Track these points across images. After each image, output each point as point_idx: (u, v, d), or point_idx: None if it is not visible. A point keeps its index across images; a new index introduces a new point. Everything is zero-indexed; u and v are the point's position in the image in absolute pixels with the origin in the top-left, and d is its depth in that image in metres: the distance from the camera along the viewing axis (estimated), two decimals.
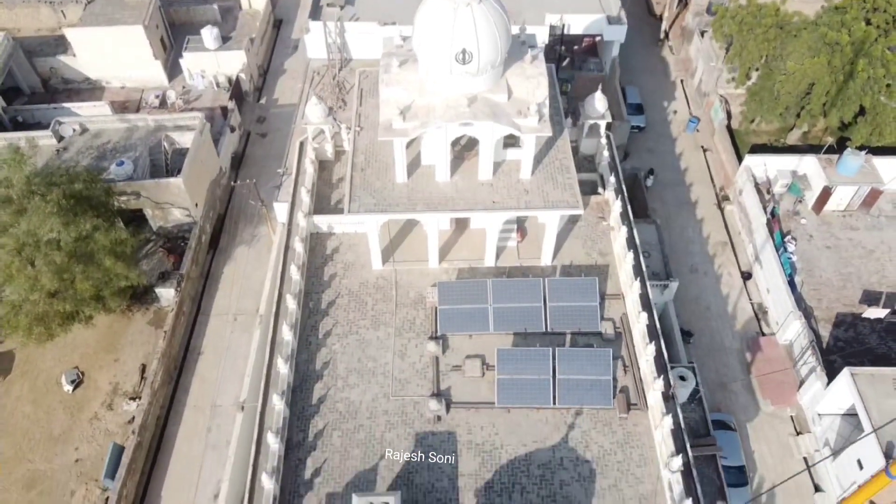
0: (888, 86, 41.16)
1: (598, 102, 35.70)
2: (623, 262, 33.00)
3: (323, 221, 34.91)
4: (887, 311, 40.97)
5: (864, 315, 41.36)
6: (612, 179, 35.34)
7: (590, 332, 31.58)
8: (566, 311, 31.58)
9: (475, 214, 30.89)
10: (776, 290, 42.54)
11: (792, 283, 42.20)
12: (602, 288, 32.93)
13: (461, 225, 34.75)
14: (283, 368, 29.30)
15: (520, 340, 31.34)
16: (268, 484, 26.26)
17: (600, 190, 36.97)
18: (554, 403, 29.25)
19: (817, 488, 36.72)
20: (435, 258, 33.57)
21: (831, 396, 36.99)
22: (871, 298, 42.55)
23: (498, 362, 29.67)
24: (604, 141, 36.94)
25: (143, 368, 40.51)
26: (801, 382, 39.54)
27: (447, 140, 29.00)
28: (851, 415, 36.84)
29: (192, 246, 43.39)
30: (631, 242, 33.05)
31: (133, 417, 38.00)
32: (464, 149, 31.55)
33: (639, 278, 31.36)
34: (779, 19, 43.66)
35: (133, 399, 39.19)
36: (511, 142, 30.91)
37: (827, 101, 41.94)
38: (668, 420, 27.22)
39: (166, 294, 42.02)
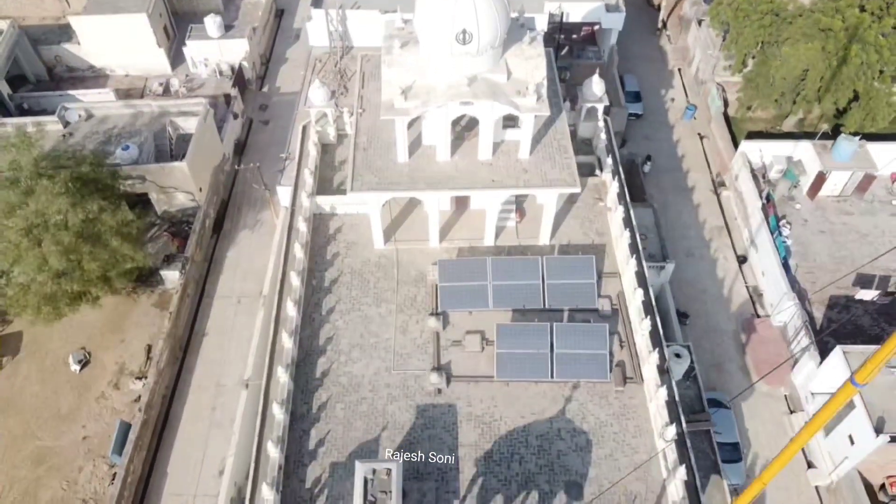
0: (881, 72, 41.82)
1: (596, 86, 36.39)
2: (619, 241, 33.70)
3: (326, 202, 35.64)
4: (878, 292, 41.78)
5: (856, 297, 42.13)
6: (609, 161, 36.03)
7: (587, 308, 32.31)
8: (564, 288, 32.30)
9: (475, 193, 31.62)
10: (771, 272, 43.26)
11: (786, 266, 42.91)
12: (599, 266, 33.62)
13: (461, 205, 35.45)
14: (287, 343, 30.03)
15: (518, 317, 32.08)
16: (273, 452, 26.99)
17: (598, 172, 37.68)
18: (552, 377, 29.99)
19: (810, 465, 37.46)
20: (436, 237, 34.29)
21: (824, 375, 37.71)
22: (864, 281, 43.23)
23: (497, 337, 30.40)
24: (601, 124, 37.62)
25: (149, 349, 41.22)
26: (795, 362, 40.28)
27: (448, 120, 29.70)
28: None
29: (197, 230, 44.11)
30: (627, 222, 33.77)
31: (139, 396, 38.71)
32: (464, 129, 32.26)
33: (635, 256, 32.06)
34: (774, 6, 44.30)
35: (139, 378, 39.91)
36: (510, 123, 31.60)
37: (821, 87, 42.62)
38: (663, 391, 27.96)
39: (171, 277, 42.72)
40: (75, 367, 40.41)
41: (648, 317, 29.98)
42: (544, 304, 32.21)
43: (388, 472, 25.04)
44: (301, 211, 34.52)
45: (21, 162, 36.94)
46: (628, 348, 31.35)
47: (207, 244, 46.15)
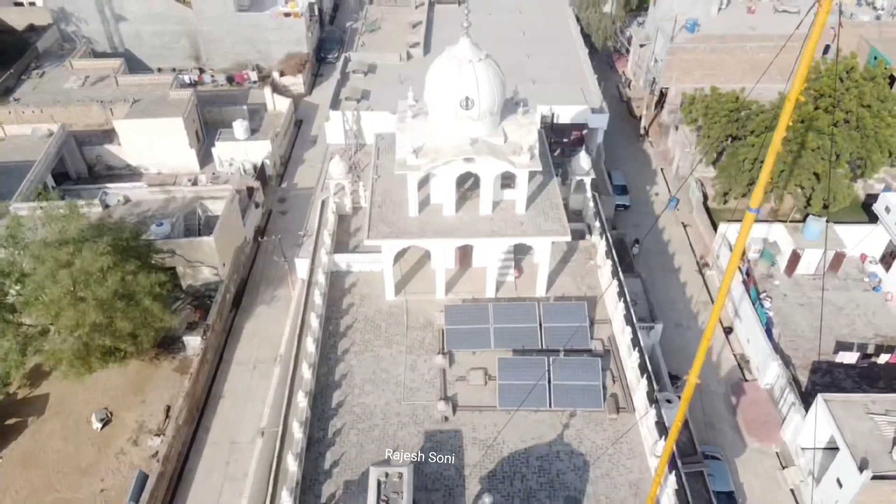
0: (837, 156, 47.06)
1: (583, 161, 41.33)
2: (609, 291, 37.16)
3: (342, 259, 39.44)
4: (858, 354, 44.51)
5: (837, 359, 44.83)
6: (597, 224, 40.22)
7: (581, 349, 35.21)
8: (559, 330, 35.39)
9: (477, 241, 35.48)
10: (755, 339, 46.22)
11: (769, 332, 45.94)
12: (591, 314, 36.86)
13: (464, 262, 39.24)
14: (306, 374, 32.74)
15: (518, 355, 34.88)
16: (292, 466, 29.06)
17: (588, 236, 41.76)
18: (550, 406, 32.46)
19: None
20: (442, 290, 37.78)
21: (811, 426, 39.71)
22: (843, 348, 46.06)
23: (499, 370, 33.18)
24: (589, 194, 42.18)
25: (168, 409, 43.35)
26: (783, 420, 42.34)
27: (453, 176, 34.18)
28: (832, 448, 39.43)
29: (218, 300, 47.56)
30: (615, 273, 37.39)
31: (157, 452, 40.50)
32: (467, 190, 36.68)
33: (622, 300, 35.42)
34: (739, 104, 50.38)
35: (157, 435, 41.79)
36: (508, 183, 36.09)
37: (784, 170, 47.67)
38: (653, 412, 30.40)
39: (193, 343, 45.63)
40: (97, 426, 42.40)
41: (636, 349, 32.86)
42: (542, 345, 35.16)
43: (400, 475, 27.10)
44: (320, 265, 38.24)
45: (70, 227, 41.14)
46: (620, 383, 33.94)
47: (227, 316, 49.39)
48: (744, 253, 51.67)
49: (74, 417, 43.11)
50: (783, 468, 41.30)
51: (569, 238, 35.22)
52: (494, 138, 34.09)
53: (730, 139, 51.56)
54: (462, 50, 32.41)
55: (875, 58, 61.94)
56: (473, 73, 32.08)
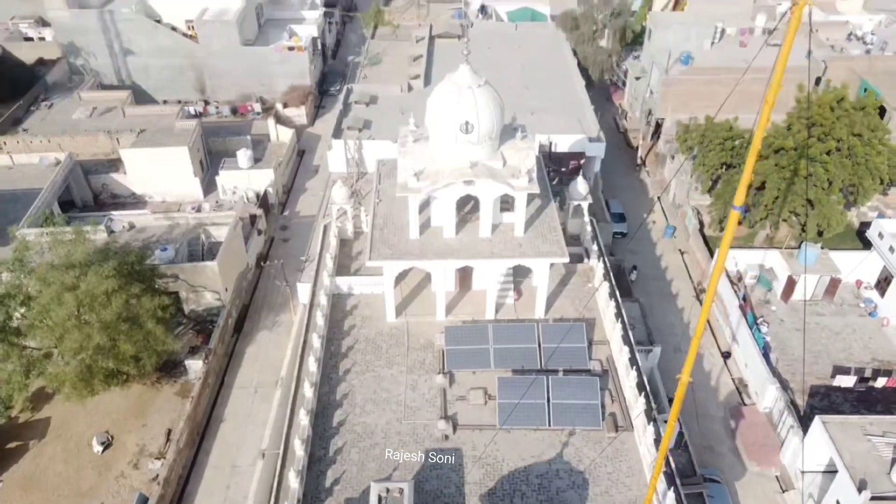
0: (830, 183, 48.00)
1: (581, 186, 42.24)
2: (606, 312, 37.70)
3: (344, 282, 40.04)
4: (855, 378, 44.82)
5: (834, 383, 45.11)
6: (595, 248, 40.92)
7: (580, 369, 35.61)
8: (558, 351, 35.83)
9: (477, 262, 36.12)
10: (753, 363, 46.57)
11: (767, 356, 46.31)
12: (590, 335, 37.34)
13: (464, 285, 39.84)
14: (308, 392, 33.09)
15: (518, 376, 35.25)
16: (294, 483, 29.26)
17: (585, 259, 42.43)
18: (549, 425, 32.76)
19: None
20: (442, 312, 38.32)
21: (809, 448, 39.90)
22: (840, 372, 46.40)
23: (499, 389, 33.56)
24: (587, 219, 42.97)
25: (169, 432, 43.48)
26: (782, 444, 42.48)
27: (453, 198, 34.98)
28: (831, 472, 39.53)
29: (220, 325, 48.01)
30: (612, 294, 37.95)
31: (157, 475, 40.56)
32: (467, 214, 37.47)
33: (620, 321, 35.93)
34: (733, 133, 51.54)
35: (158, 459, 41.89)
36: (506, 207, 36.89)
37: (778, 196, 48.56)
38: (651, 429, 30.69)
39: (195, 366, 45.95)
40: (98, 449, 42.49)
41: (634, 368, 33.29)
42: (541, 365, 35.58)
43: (401, 491, 27.33)
44: (322, 288, 38.82)
45: (75, 252, 41.81)
46: (619, 403, 34.28)
47: (229, 341, 49.77)
48: (741, 278, 52.45)
49: (75, 441, 43.23)
50: (783, 491, 41.32)
51: (566, 259, 35.87)
52: (493, 162, 34.99)
53: (724, 167, 52.57)
54: (462, 76, 33.51)
55: (865, 90, 63.44)
56: (473, 98, 33.11)
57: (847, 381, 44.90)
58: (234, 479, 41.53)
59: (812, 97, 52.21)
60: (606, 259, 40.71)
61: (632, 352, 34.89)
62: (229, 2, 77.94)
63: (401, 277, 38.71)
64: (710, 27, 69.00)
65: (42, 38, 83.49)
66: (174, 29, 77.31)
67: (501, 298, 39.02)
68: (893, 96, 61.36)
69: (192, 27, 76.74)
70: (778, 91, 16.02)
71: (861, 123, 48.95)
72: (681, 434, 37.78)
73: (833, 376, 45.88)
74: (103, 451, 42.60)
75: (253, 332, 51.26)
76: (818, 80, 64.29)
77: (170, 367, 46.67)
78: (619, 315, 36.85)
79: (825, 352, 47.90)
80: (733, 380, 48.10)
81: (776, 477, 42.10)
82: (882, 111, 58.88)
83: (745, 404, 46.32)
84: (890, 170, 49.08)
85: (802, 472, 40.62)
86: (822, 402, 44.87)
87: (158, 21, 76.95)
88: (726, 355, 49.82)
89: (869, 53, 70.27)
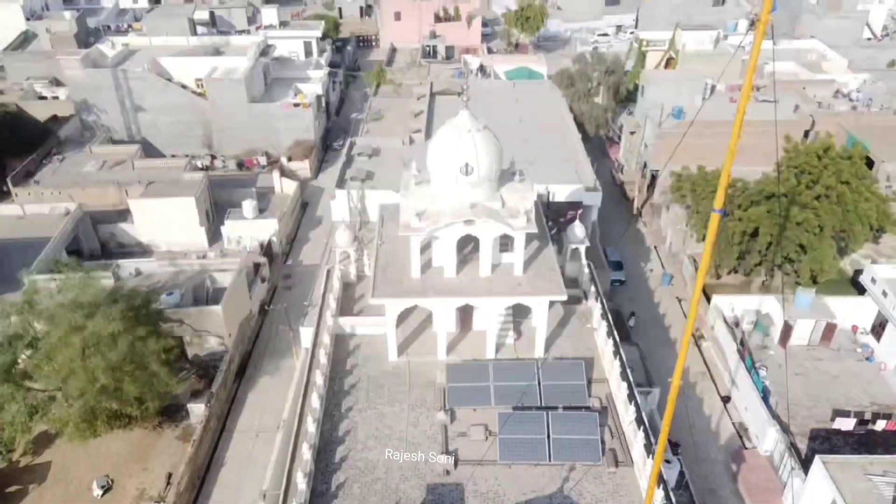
0: (821, 228, 49.26)
1: (578, 229, 43.46)
2: (605, 350, 38.34)
3: (346, 323, 40.78)
4: (854, 420, 45.01)
5: (834, 426, 45.27)
6: (593, 289, 41.83)
7: (579, 406, 36.02)
8: (558, 388, 36.34)
9: (477, 300, 36.96)
10: (753, 406, 46.83)
11: (766, 400, 46.60)
12: (589, 374, 37.87)
13: (465, 325, 40.56)
14: (311, 428, 33.44)
15: (518, 411, 35.62)
16: None
17: (583, 302, 43.26)
18: (549, 460, 33.00)
19: None
20: (443, 351, 38.95)
21: (810, 489, 39.85)
22: (840, 414, 46.61)
23: (499, 424, 33.91)
24: (584, 261, 44.01)
25: (170, 476, 43.41)
26: (784, 486, 42.42)
27: (454, 238, 36.11)
28: None
29: (223, 369, 48.45)
30: (610, 333, 38.65)
31: None
32: (467, 254, 38.54)
33: (618, 358, 36.55)
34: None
35: (157, 502, 41.74)
36: (506, 247, 37.97)
37: (771, 242, 49.77)
38: (650, 461, 30.95)
39: (197, 410, 46.17)
40: (98, 492, 42.34)
41: (633, 403, 33.74)
42: (541, 402, 36.00)
43: None
44: (325, 328, 39.55)
45: (83, 294, 42.66)
46: (619, 439, 34.58)
47: (231, 386, 50.08)
48: (738, 323, 53.11)
49: (75, 485, 43.10)
50: None
51: (565, 297, 36.74)
52: (493, 203, 36.26)
53: None
54: (462, 121, 35.15)
55: (853, 143, 65.44)
56: (473, 141, 34.64)
57: (847, 424, 45.05)
58: None
59: (799, 147, 54.06)
60: (604, 300, 41.51)
61: (630, 388, 35.38)
62: (238, 61, 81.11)
63: (402, 318, 39.48)
64: (701, 83, 71.69)
65: (56, 97, 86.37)
66: (184, 87, 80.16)
67: (501, 338, 39.70)
68: (880, 149, 63.39)
69: (202, 85, 79.65)
70: (748, 99, 17.60)
71: (848, 172, 50.58)
72: (682, 473, 37.82)
73: (833, 419, 46.10)
74: (103, 494, 42.43)
75: (255, 377, 51.60)
76: (806, 133, 66.45)
77: (171, 412, 46.86)
78: (616, 352, 37.46)
79: (824, 396, 48.16)
80: (733, 424, 48.20)
81: None
82: (870, 163, 60.71)
83: (745, 448, 46.36)
84: (879, 216, 50.44)
85: None
86: (822, 446, 44.91)
87: (169, 79, 79.91)
88: (726, 399, 50.03)
89: (855, 109, 72.75)
